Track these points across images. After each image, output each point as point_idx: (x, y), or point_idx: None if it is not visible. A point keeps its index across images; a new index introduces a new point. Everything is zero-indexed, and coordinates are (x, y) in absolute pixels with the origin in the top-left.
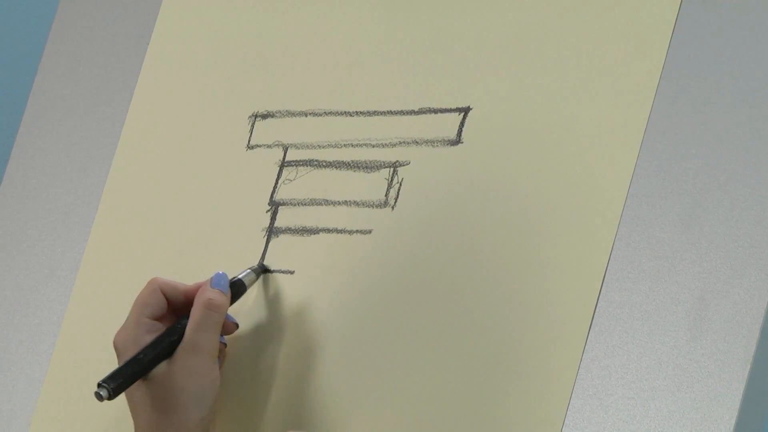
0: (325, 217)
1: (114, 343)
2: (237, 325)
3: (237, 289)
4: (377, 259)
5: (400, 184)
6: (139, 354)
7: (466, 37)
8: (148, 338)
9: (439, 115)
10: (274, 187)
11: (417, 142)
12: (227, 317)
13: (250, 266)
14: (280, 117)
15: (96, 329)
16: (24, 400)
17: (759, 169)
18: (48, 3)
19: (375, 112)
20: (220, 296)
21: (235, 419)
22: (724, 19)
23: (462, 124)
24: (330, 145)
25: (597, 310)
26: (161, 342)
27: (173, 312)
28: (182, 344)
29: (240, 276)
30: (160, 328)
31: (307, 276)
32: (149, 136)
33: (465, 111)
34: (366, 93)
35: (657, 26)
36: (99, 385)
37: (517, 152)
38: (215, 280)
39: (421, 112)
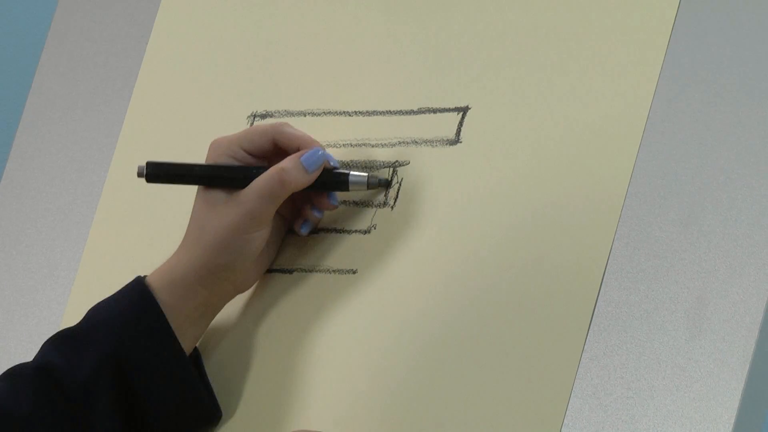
0: (325, 217)
1: (211, 143)
2: (335, 207)
3: (336, 179)
4: (377, 258)
5: (400, 184)
6: (197, 165)
7: (465, 36)
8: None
9: (438, 114)
10: None
11: (416, 142)
12: (330, 197)
13: (372, 174)
14: (278, 117)
15: None
16: None
17: (758, 169)
18: (47, 3)
19: (374, 111)
20: (298, 172)
21: (237, 418)
22: (723, 19)
23: (461, 123)
24: (329, 145)
25: (596, 309)
26: (230, 171)
27: (281, 158)
28: (240, 193)
29: (351, 171)
30: (250, 162)
31: (306, 276)
32: (148, 135)
33: (464, 110)
34: (365, 93)
35: (656, 26)
36: (146, 163)
37: (516, 152)
38: (307, 154)
39: (420, 111)
